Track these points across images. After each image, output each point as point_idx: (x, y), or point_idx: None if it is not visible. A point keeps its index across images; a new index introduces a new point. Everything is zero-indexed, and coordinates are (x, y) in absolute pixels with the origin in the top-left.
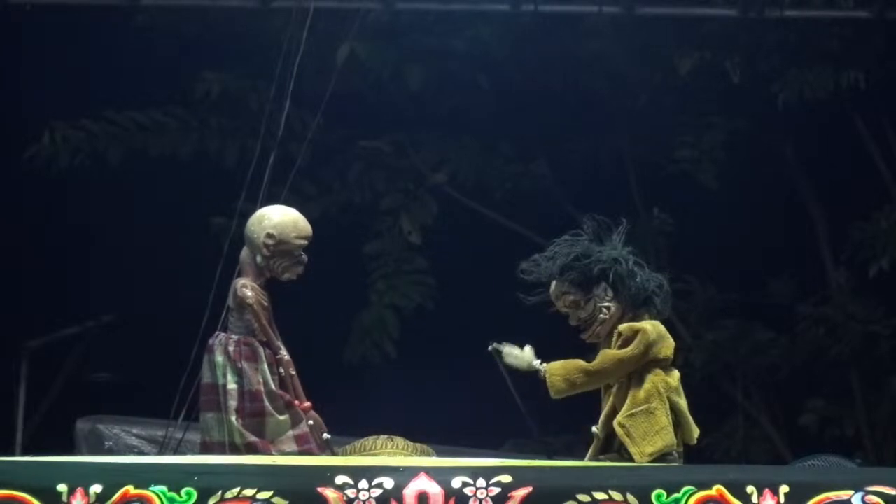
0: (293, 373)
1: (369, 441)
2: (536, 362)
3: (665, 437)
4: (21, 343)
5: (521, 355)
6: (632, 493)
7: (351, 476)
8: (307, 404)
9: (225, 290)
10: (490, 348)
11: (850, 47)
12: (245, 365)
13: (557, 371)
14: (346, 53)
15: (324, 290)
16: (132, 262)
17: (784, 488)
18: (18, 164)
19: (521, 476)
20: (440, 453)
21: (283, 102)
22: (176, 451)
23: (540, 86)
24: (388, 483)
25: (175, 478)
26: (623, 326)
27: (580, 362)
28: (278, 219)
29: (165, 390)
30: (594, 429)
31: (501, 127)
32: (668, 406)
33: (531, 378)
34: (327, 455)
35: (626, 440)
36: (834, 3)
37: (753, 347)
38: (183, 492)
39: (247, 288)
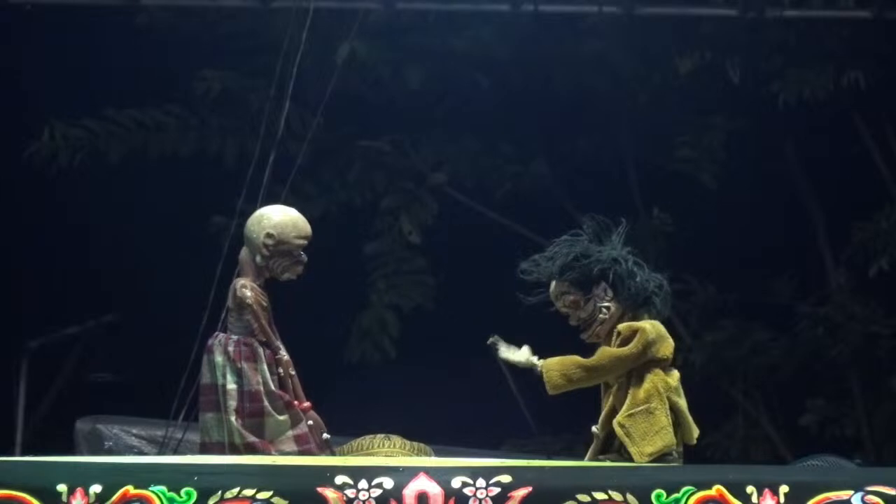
0: (293, 373)
1: (366, 440)
2: (534, 358)
3: (665, 437)
4: (21, 343)
5: (517, 352)
6: (632, 493)
7: (351, 476)
8: (307, 404)
9: (225, 290)
10: (489, 341)
11: (850, 47)
12: (244, 365)
13: (554, 367)
14: (345, 53)
15: (324, 290)
16: (132, 262)
17: (784, 488)
18: (18, 163)
19: (520, 476)
20: (440, 453)
21: (283, 102)
22: (176, 451)
23: (540, 86)
24: (388, 483)
25: (175, 478)
26: (622, 326)
27: (577, 358)
28: (278, 219)
29: (165, 390)
30: (594, 429)
31: (501, 127)
32: (667, 406)
33: (530, 379)
34: (327, 455)
35: (626, 440)
36: (834, 3)
37: (753, 347)
38: (183, 492)
39: (246, 288)
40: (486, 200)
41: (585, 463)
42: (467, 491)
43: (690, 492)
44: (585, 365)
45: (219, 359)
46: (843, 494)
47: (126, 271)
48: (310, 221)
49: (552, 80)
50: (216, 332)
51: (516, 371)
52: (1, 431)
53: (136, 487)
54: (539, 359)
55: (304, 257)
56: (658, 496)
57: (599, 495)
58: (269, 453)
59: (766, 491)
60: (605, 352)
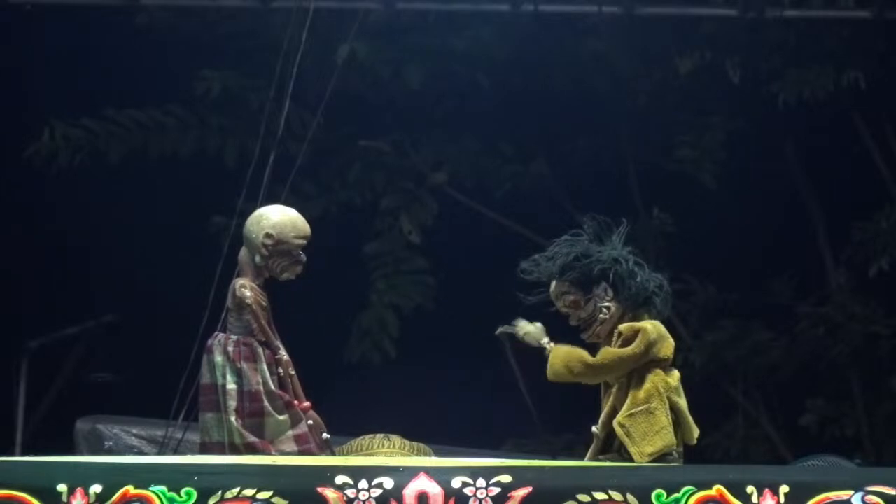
0: (292, 373)
1: (366, 440)
2: (545, 340)
3: (665, 437)
4: (21, 343)
5: (533, 330)
6: (632, 493)
7: (351, 476)
8: (307, 404)
9: (225, 290)
10: (499, 331)
11: (850, 47)
12: (244, 365)
13: (560, 355)
14: (345, 53)
15: (324, 290)
16: (132, 262)
17: (784, 488)
18: (18, 163)
19: (520, 476)
20: (440, 453)
21: (283, 102)
22: (176, 451)
23: (540, 86)
24: (388, 483)
25: (175, 478)
26: (623, 326)
27: (584, 353)
28: (277, 218)
29: (165, 390)
30: (594, 429)
31: (501, 127)
32: (667, 406)
33: (535, 380)
34: (327, 455)
35: (626, 440)
36: (834, 3)
37: (753, 347)
38: (183, 492)
39: (246, 288)
40: (486, 200)
41: (585, 463)
42: (467, 491)
43: (690, 492)
44: (588, 362)
45: (218, 359)
46: (843, 494)
47: (126, 271)
48: (310, 221)
49: (552, 80)
50: (216, 332)
51: (523, 367)
52: (1, 431)
53: (136, 487)
54: (550, 342)
55: (304, 257)
56: (658, 496)
57: (599, 495)
58: (269, 453)
59: (766, 491)
60: (609, 352)
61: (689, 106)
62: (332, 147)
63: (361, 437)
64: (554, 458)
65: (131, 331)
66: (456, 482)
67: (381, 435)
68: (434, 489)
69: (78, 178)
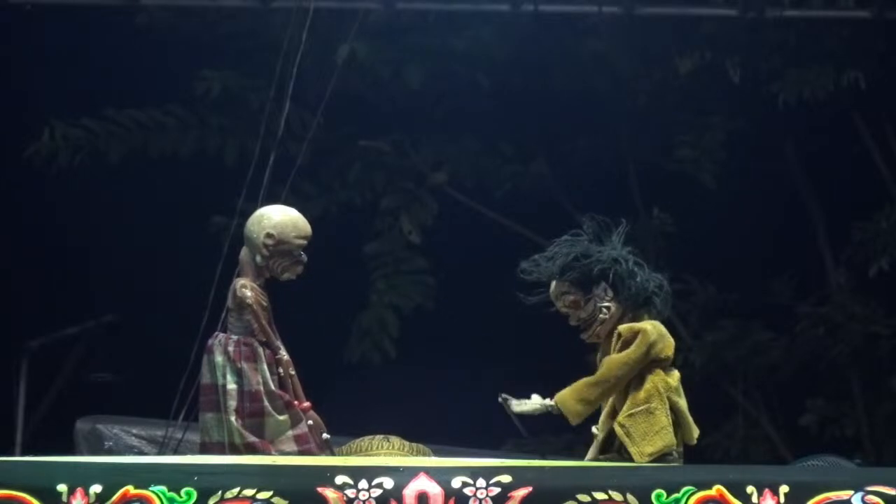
0: (293, 373)
1: (365, 441)
2: (546, 401)
3: (665, 437)
4: (21, 343)
5: (528, 403)
6: (632, 493)
7: (351, 476)
8: (307, 404)
9: (225, 290)
10: (500, 399)
11: (850, 47)
12: (244, 365)
13: (568, 397)
14: (345, 53)
15: (324, 290)
16: (132, 262)
17: (784, 488)
18: (18, 163)
19: (520, 476)
20: (439, 453)
21: (283, 102)
22: (176, 451)
23: (540, 86)
24: (388, 483)
25: (175, 478)
26: (623, 327)
27: (585, 379)
28: (278, 218)
29: (165, 390)
30: (594, 429)
31: (501, 127)
32: (667, 406)
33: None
34: (327, 455)
35: (626, 440)
36: (834, 3)
37: (753, 347)
38: (183, 492)
39: (246, 288)
40: (486, 200)
41: (585, 463)
42: (467, 491)
43: (690, 492)
44: (596, 381)
45: (219, 359)
46: (843, 494)
47: (126, 271)
48: (310, 221)
49: (552, 80)
50: (216, 332)
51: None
52: (1, 431)
53: (136, 487)
54: (549, 399)
55: (304, 257)
56: (658, 496)
57: (599, 495)
58: (269, 453)
59: (766, 491)
60: (612, 361)
61: (689, 106)
62: (332, 147)
63: (361, 439)
64: (543, 457)
65: (131, 331)
66: (456, 482)
67: (381, 436)
68: (434, 489)
69: (78, 178)
